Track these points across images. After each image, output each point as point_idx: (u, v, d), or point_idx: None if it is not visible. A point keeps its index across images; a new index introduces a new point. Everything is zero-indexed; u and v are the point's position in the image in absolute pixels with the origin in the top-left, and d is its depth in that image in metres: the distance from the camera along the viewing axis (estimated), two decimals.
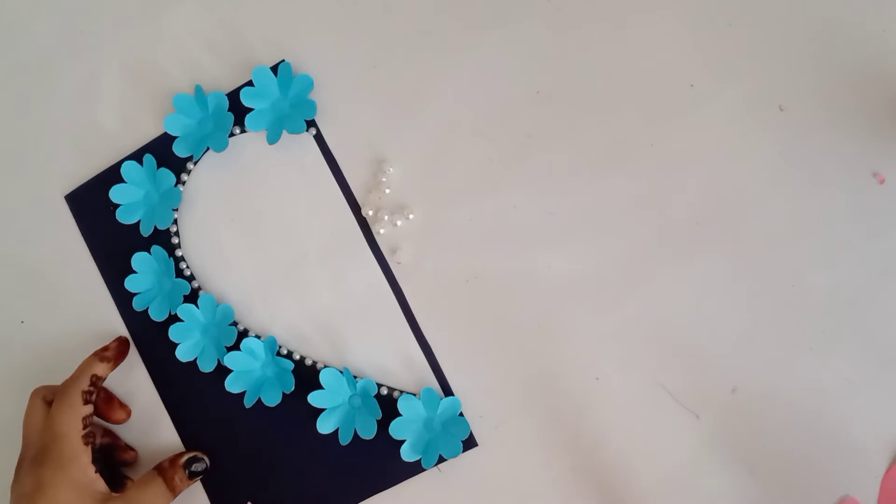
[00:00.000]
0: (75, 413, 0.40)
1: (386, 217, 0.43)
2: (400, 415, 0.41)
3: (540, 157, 0.42)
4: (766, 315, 0.40)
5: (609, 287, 0.41)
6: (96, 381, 0.42)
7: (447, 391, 0.42)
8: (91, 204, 0.47)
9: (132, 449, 0.45)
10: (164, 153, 0.46)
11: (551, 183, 0.42)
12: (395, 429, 0.41)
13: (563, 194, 0.42)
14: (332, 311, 0.44)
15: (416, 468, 0.42)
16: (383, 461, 0.42)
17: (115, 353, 0.44)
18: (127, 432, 0.46)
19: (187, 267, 0.45)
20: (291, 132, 0.44)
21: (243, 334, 0.44)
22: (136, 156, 0.46)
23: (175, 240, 0.45)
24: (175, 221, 0.46)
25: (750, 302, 0.40)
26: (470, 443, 0.42)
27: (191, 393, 0.45)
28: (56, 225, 0.47)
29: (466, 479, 0.42)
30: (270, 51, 0.46)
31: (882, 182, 0.39)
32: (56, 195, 0.48)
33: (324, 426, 0.42)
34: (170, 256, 0.45)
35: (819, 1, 0.41)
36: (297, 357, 0.44)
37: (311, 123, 0.45)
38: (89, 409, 0.41)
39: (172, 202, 0.45)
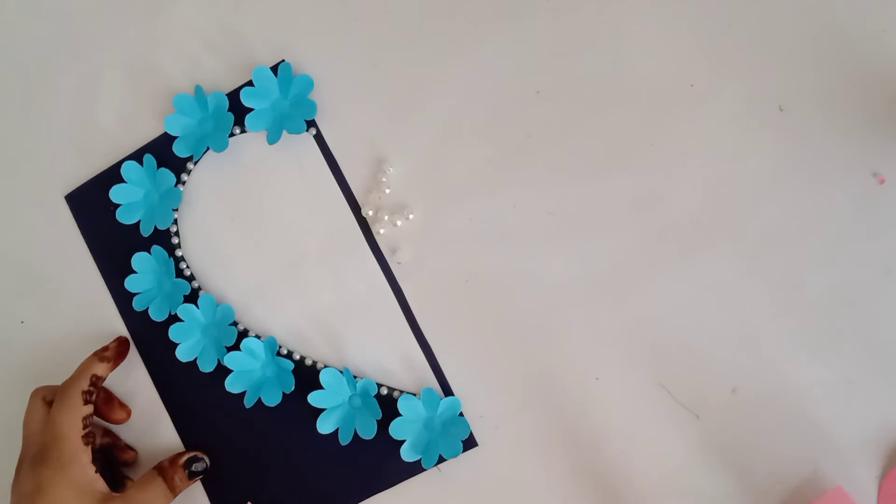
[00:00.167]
0: (75, 413, 0.40)
1: (386, 217, 0.43)
2: (400, 415, 0.41)
3: (540, 157, 0.42)
4: (766, 315, 0.40)
5: (609, 287, 0.41)
6: (96, 382, 0.42)
7: (447, 391, 0.42)
8: (91, 204, 0.47)
9: (132, 449, 0.45)
10: (164, 153, 0.46)
11: (551, 183, 0.42)
12: (395, 429, 0.41)
13: (563, 194, 0.42)
14: (332, 311, 0.44)
15: (416, 468, 0.42)
16: (383, 461, 0.42)
17: (114, 353, 0.44)
18: (127, 432, 0.46)
19: (187, 267, 0.45)
20: (291, 132, 0.44)
21: (243, 334, 0.44)
22: (136, 156, 0.46)
23: (175, 240, 0.46)
24: (175, 221, 0.46)
25: (750, 302, 0.40)
26: (470, 443, 0.42)
27: (191, 393, 0.45)
28: (56, 225, 0.47)
29: (466, 479, 0.42)
30: (270, 51, 0.46)
31: (882, 182, 0.39)
32: (56, 195, 0.48)
33: (324, 426, 0.42)
34: (170, 256, 0.45)
35: (819, 1, 0.41)
36: (297, 357, 0.44)
37: (311, 123, 0.45)
38: (89, 409, 0.41)
39: (172, 202, 0.45)
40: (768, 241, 0.40)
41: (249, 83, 0.45)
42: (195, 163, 0.46)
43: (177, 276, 0.45)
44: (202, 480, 0.44)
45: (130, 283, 0.45)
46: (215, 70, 0.46)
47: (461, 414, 0.42)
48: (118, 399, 0.45)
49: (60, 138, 0.48)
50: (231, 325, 0.44)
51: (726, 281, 0.40)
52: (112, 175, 0.46)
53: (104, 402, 0.44)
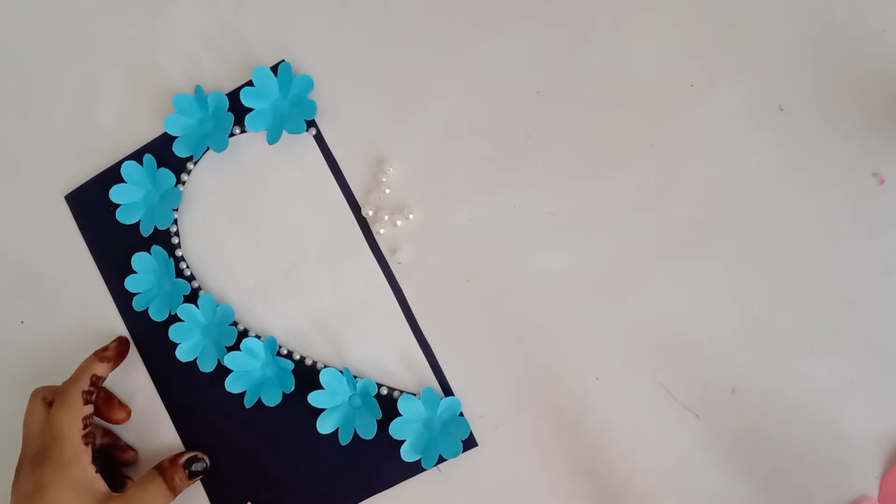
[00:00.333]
0: (75, 413, 0.40)
1: (386, 217, 0.43)
2: (400, 415, 0.41)
3: (540, 157, 0.42)
4: (766, 315, 0.40)
5: (609, 287, 0.41)
6: (96, 382, 0.42)
7: (447, 391, 0.42)
8: (91, 204, 0.47)
9: (132, 449, 0.45)
10: (164, 153, 0.46)
11: (551, 183, 0.42)
12: (395, 429, 0.41)
13: (563, 194, 0.42)
14: (332, 311, 0.44)
15: (416, 468, 0.42)
16: (383, 461, 0.42)
17: (114, 353, 0.44)
18: (127, 432, 0.46)
19: (187, 267, 0.45)
20: (291, 132, 0.44)
21: (243, 334, 0.44)
22: (136, 156, 0.46)
23: (175, 240, 0.46)
24: (175, 221, 0.46)
25: (750, 301, 0.40)
26: (470, 443, 0.42)
27: (191, 393, 0.45)
28: (56, 225, 0.47)
29: (466, 479, 0.42)
30: (270, 51, 0.46)
31: (882, 182, 0.39)
32: (56, 195, 0.48)
33: (324, 426, 0.42)
34: (170, 256, 0.45)
35: (819, 1, 0.41)
36: (297, 357, 0.44)
37: (311, 123, 0.45)
38: (89, 409, 0.41)
39: (172, 202, 0.45)
40: (768, 240, 0.40)
41: (249, 83, 0.45)
42: (195, 163, 0.46)
43: (177, 276, 0.45)
44: (202, 480, 0.44)
45: (130, 283, 0.45)
46: (215, 70, 0.46)
47: (461, 414, 0.42)
48: (118, 399, 0.45)
49: (60, 138, 0.48)
50: (231, 325, 0.44)
51: (726, 281, 0.40)
52: (112, 175, 0.46)
53: (104, 402, 0.44)
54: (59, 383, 0.42)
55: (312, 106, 0.44)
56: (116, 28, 0.48)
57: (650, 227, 0.41)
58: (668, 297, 0.40)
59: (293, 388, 0.42)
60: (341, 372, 0.42)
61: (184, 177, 0.46)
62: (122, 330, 0.46)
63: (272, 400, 0.43)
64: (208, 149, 0.45)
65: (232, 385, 0.43)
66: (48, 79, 0.48)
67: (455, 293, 0.43)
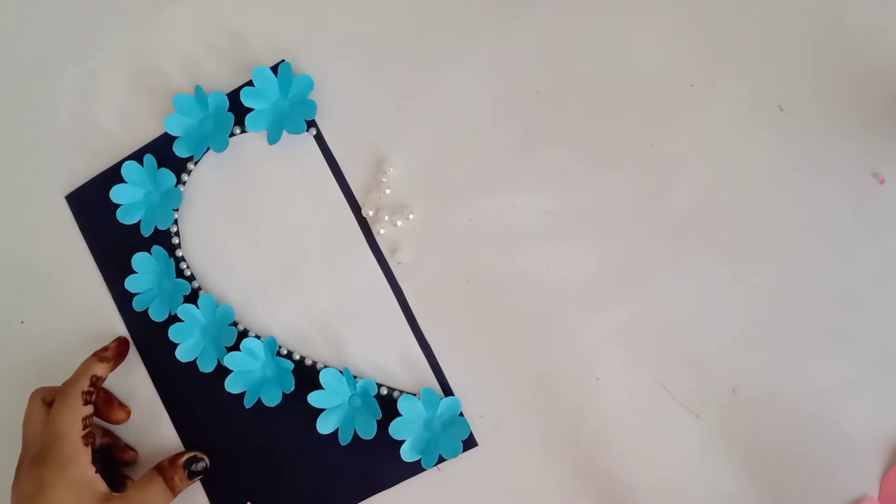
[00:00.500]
0: (75, 413, 0.40)
1: (386, 217, 0.43)
2: (400, 415, 0.41)
3: (540, 157, 0.42)
4: (766, 315, 0.40)
5: (609, 287, 0.41)
6: (96, 382, 0.42)
7: (447, 391, 0.42)
8: (91, 204, 0.47)
9: (132, 449, 0.45)
10: (164, 153, 0.46)
11: (551, 183, 0.42)
12: (395, 429, 0.41)
13: (563, 194, 0.42)
14: (332, 311, 0.44)
15: (416, 468, 0.42)
16: (383, 461, 0.42)
17: (114, 353, 0.44)
18: (127, 432, 0.46)
19: (187, 267, 0.45)
20: (291, 132, 0.44)
21: (243, 334, 0.44)
22: (137, 156, 0.46)
23: (175, 240, 0.46)
24: (175, 221, 0.46)
25: (750, 301, 0.40)
26: (470, 443, 0.42)
27: (191, 393, 0.45)
28: (56, 225, 0.47)
29: (466, 479, 0.42)
30: (270, 51, 0.46)
31: (882, 182, 0.39)
32: (56, 195, 0.48)
33: (324, 426, 0.42)
34: (170, 256, 0.45)
35: (819, 1, 0.41)
36: (297, 357, 0.44)
37: (311, 123, 0.45)
38: (89, 409, 0.41)
39: (173, 202, 0.45)
40: (768, 240, 0.40)
41: (249, 83, 0.45)
42: (195, 163, 0.46)
43: (177, 276, 0.45)
44: (202, 480, 0.44)
45: (130, 284, 0.45)
46: (215, 70, 0.46)
47: (461, 414, 0.42)
48: (118, 399, 0.45)
49: (61, 138, 0.48)
50: (231, 325, 0.44)
51: (726, 281, 0.40)
52: (112, 175, 0.46)
53: (104, 403, 0.44)
54: (59, 383, 0.42)
55: (312, 106, 0.44)
56: (116, 28, 0.48)
57: (650, 227, 0.41)
58: (669, 298, 0.40)
59: (293, 388, 0.42)
60: (341, 372, 0.42)
61: (184, 177, 0.46)
62: (121, 330, 0.46)
63: (272, 400, 0.43)
64: (208, 149, 0.45)
65: (232, 385, 0.43)
66: (48, 79, 0.48)
67: (455, 293, 0.43)
